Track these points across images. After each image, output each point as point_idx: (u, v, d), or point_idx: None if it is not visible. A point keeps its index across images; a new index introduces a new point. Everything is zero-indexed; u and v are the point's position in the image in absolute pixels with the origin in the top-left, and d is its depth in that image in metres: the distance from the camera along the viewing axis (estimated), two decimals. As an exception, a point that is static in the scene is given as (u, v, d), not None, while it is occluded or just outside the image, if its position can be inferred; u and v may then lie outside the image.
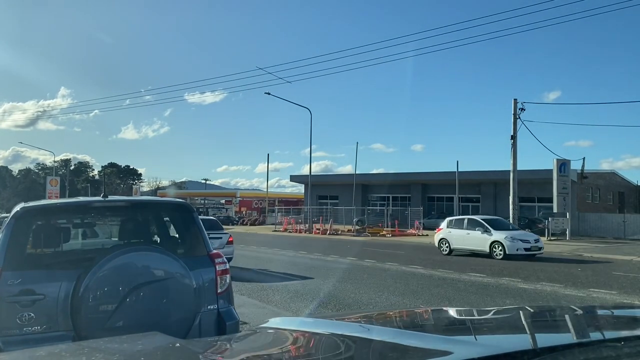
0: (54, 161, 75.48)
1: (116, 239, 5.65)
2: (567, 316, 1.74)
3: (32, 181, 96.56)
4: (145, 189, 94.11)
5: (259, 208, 61.08)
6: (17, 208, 4.21)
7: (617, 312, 1.91)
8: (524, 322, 1.72)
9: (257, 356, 1.39)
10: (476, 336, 1.50)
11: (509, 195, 29.46)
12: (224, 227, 18.76)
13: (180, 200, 5.04)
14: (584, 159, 36.08)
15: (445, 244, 20.49)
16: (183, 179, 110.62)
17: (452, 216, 38.49)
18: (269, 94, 37.68)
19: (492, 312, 2.09)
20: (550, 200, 31.31)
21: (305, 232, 37.78)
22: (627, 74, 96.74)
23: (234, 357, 1.41)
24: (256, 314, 8.25)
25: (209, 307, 4.28)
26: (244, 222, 53.50)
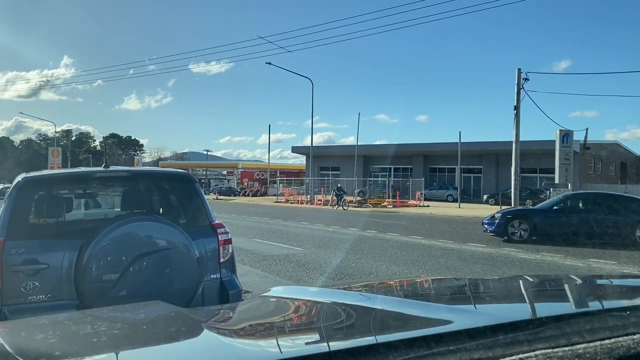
0: (56, 132, 75.35)
1: (118, 209, 5.66)
2: (571, 286, 1.74)
3: (33, 152, 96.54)
4: (147, 159, 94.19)
5: (260, 179, 61.17)
6: (19, 178, 4.20)
7: (621, 281, 1.91)
8: (527, 291, 1.71)
9: (260, 324, 1.40)
10: (479, 305, 1.50)
11: (511, 166, 29.42)
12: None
13: (182, 170, 5.03)
14: (586, 129, 36.03)
15: None
16: (185, 150, 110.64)
17: (453, 187, 38.59)
18: (270, 63, 37.28)
19: (494, 282, 2.09)
20: (552, 172, 31.22)
21: (306, 203, 37.94)
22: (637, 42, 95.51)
23: (237, 325, 1.41)
24: (258, 283, 8.34)
25: (211, 276, 4.32)
26: (246, 193, 53.69)
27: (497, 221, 14.54)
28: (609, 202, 14.20)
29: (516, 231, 14.10)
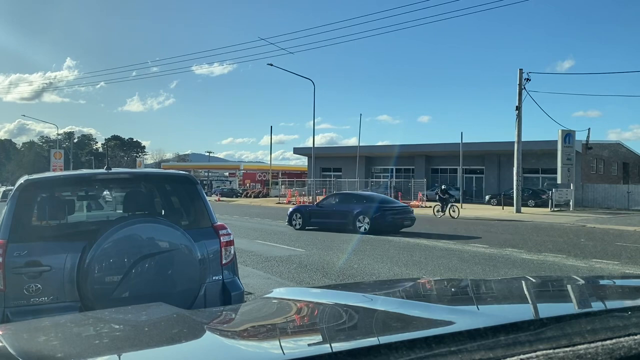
0: (58, 134, 75.40)
1: (121, 211, 5.68)
2: (572, 286, 1.74)
3: (36, 154, 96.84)
4: (149, 161, 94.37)
5: (262, 180, 61.17)
6: (21, 181, 4.21)
7: (623, 282, 1.91)
8: (529, 292, 1.72)
9: (262, 326, 1.40)
10: (480, 306, 1.50)
11: (513, 166, 29.39)
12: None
13: (184, 172, 5.04)
14: (588, 129, 35.86)
15: None
16: (187, 152, 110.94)
17: (455, 187, 38.34)
18: (271, 65, 37.28)
19: (495, 282, 2.09)
20: (555, 172, 31.22)
21: (308, 204, 37.90)
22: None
23: (239, 326, 1.41)
24: (261, 284, 8.34)
25: (213, 277, 4.32)
26: (248, 195, 53.70)
27: (288, 214, 19.23)
28: (348, 199, 18.71)
29: (295, 222, 18.65)
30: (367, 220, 16.91)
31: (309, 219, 18.46)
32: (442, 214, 25.22)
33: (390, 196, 37.67)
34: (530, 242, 14.31)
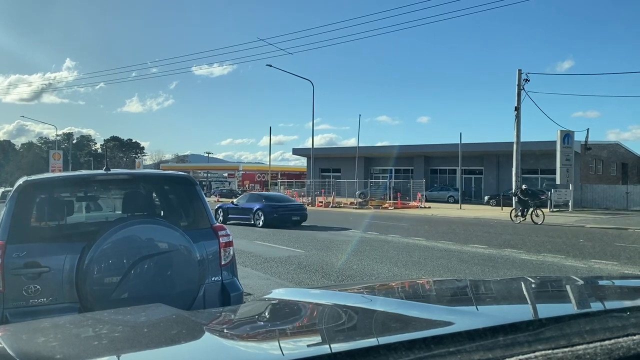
0: (57, 135, 75.33)
1: (120, 212, 5.67)
2: (571, 286, 1.74)
3: (35, 155, 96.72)
4: (148, 162, 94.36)
5: (261, 181, 61.15)
6: (20, 182, 4.20)
7: (622, 282, 1.91)
8: (527, 292, 1.72)
9: (261, 326, 1.40)
10: (479, 307, 1.50)
11: (512, 167, 29.40)
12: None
13: (183, 173, 5.03)
14: (587, 130, 35.99)
15: None
16: (186, 152, 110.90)
17: (454, 188, 38.40)
18: (270, 65, 37.31)
19: (494, 283, 2.09)
20: (554, 172, 31.23)
21: (307, 205, 37.87)
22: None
23: (238, 327, 1.41)
24: (260, 285, 8.34)
25: (213, 278, 4.32)
26: (247, 195, 53.60)
27: (214, 210, 20.31)
28: (254, 198, 21.15)
29: (219, 217, 20.95)
30: (262, 216, 19.72)
31: (228, 215, 21.26)
32: (522, 219, 21.35)
33: (390, 197, 37.85)
34: (529, 243, 14.32)
